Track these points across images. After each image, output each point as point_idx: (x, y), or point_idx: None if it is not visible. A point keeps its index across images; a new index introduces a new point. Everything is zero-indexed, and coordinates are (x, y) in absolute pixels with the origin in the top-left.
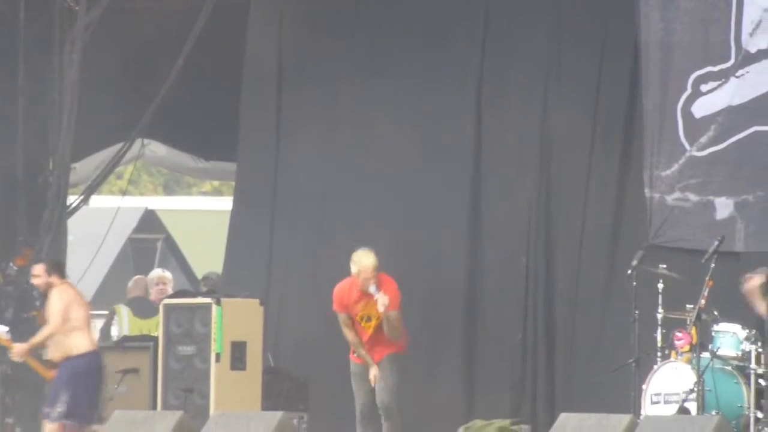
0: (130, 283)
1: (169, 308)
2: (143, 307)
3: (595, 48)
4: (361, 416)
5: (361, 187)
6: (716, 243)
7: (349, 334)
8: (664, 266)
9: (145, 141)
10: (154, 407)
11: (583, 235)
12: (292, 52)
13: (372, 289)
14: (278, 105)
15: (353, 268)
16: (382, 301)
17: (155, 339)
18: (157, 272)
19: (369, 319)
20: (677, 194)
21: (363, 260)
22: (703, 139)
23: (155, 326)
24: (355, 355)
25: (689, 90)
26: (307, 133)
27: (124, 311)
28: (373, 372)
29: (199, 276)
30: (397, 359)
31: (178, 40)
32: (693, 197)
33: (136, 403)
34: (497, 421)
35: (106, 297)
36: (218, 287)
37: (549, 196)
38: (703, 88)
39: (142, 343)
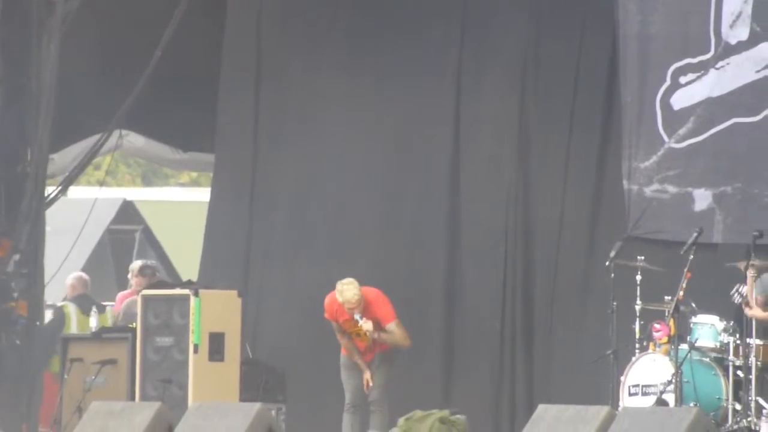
0: (72, 281)
1: (147, 299)
2: (88, 305)
3: (573, 39)
4: (349, 406)
5: (340, 179)
6: (695, 235)
7: (342, 340)
8: (642, 258)
9: (123, 132)
10: (132, 398)
11: (561, 226)
12: (271, 44)
13: (356, 317)
14: (256, 96)
15: (338, 297)
16: (366, 327)
17: (133, 330)
18: (138, 264)
19: (359, 335)
20: (656, 186)
21: (345, 293)
22: (682, 131)
23: (106, 322)
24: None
25: (668, 82)
26: (285, 124)
27: (72, 309)
28: (366, 377)
29: (177, 266)
30: (388, 355)
31: (157, 31)
32: (671, 189)
33: (114, 394)
34: (436, 412)
35: None
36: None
37: (527, 187)
38: (683, 79)
39: (120, 334)
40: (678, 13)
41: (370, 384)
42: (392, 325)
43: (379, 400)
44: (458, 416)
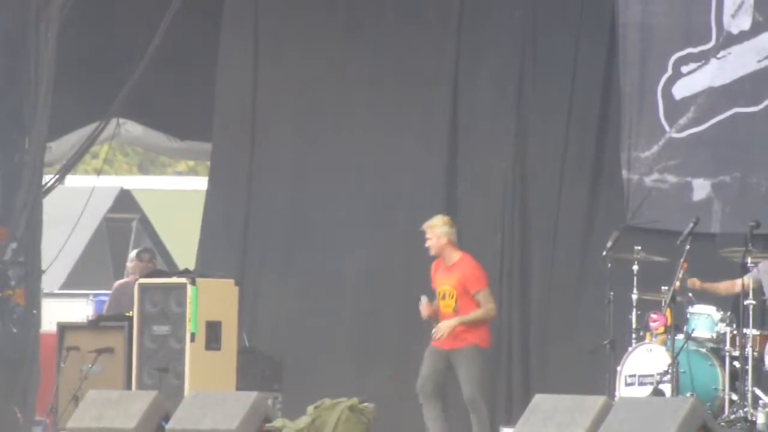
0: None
1: (144, 288)
2: None
3: (570, 29)
4: (417, 391)
5: (338, 167)
6: (691, 225)
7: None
8: (639, 248)
9: (121, 120)
10: (129, 387)
11: (558, 216)
12: (268, 32)
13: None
14: (254, 84)
15: None
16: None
17: (130, 319)
18: (135, 250)
19: (444, 296)
20: (655, 176)
21: (431, 219)
22: (683, 121)
23: None
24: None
25: (670, 71)
26: (282, 113)
27: None
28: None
29: (174, 255)
30: (479, 351)
31: (154, 19)
32: (671, 179)
33: (111, 383)
34: (345, 400)
35: (81, 277)
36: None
37: (524, 177)
38: (684, 69)
39: (116, 322)
40: (679, 2)
41: (437, 331)
42: (487, 296)
43: (473, 398)
44: (367, 404)
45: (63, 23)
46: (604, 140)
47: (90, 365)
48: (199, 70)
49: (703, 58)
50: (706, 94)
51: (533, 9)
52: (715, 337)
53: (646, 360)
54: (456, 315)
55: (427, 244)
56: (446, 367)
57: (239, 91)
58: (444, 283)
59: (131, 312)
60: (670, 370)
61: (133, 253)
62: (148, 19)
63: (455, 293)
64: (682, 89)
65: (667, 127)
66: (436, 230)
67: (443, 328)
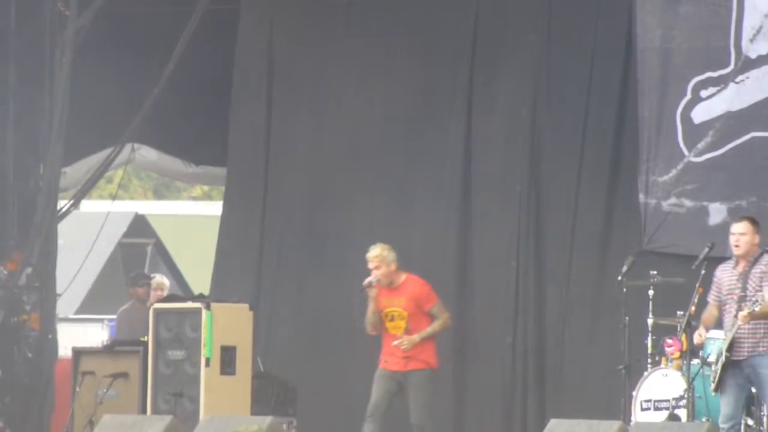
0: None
1: (159, 313)
2: None
3: (585, 53)
4: (368, 415)
5: (351, 192)
6: (706, 249)
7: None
8: (655, 272)
9: (136, 146)
10: (144, 412)
11: (573, 240)
12: (282, 57)
13: (371, 279)
14: (268, 110)
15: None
16: (372, 278)
17: (145, 344)
18: (155, 278)
19: (392, 318)
20: (673, 200)
21: (371, 250)
22: (701, 145)
23: None
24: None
25: (689, 95)
26: (297, 138)
27: None
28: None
29: (189, 280)
30: (432, 375)
31: (169, 45)
32: (687, 203)
33: (126, 408)
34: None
35: (95, 301)
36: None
37: (539, 201)
38: (703, 93)
39: (131, 347)
40: (699, 27)
41: (403, 342)
42: (440, 309)
43: (422, 424)
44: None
45: (78, 49)
46: (618, 164)
47: (105, 390)
48: (214, 95)
49: (722, 82)
50: (724, 118)
51: (548, 33)
52: None
53: (661, 385)
54: (407, 335)
55: (378, 273)
56: (398, 390)
57: (254, 117)
58: (392, 305)
59: (145, 337)
60: (685, 395)
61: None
62: (163, 44)
63: (405, 314)
64: (701, 113)
65: (685, 152)
66: (387, 258)
67: (408, 341)
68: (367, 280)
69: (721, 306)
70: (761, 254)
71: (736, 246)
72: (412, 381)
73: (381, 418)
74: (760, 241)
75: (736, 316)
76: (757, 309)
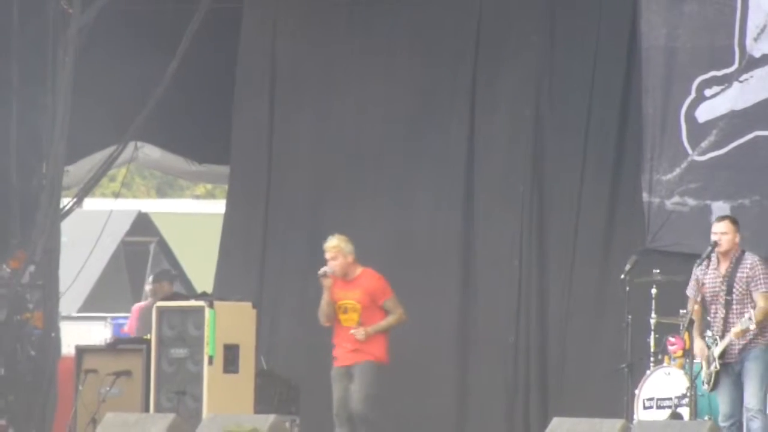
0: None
1: (162, 311)
2: None
3: (587, 53)
4: (335, 417)
5: (354, 190)
6: (708, 249)
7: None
8: (657, 271)
9: (139, 144)
10: (147, 410)
11: (576, 239)
12: (285, 55)
13: (326, 269)
14: (271, 108)
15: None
16: (327, 269)
17: (148, 342)
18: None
19: (345, 310)
20: (676, 198)
21: (329, 240)
22: (705, 144)
23: None
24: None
25: (693, 94)
26: (299, 136)
27: None
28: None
29: (192, 278)
30: (375, 368)
31: (172, 43)
32: (691, 201)
33: (129, 406)
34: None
35: (98, 300)
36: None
37: (542, 200)
38: (707, 92)
39: (135, 345)
40: (703, 26)
41: (360, 332)
42: (395, 303)
43: (362, 414)
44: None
45: (81, 47)
46: (621, 163)
47: (108, 388)
48: (217, 93)
49: (727, 81)
50: (728, 117)
51: (551, 33)
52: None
53: (664, 383)
54: (360, 327)
55: (334, 264)
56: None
57: (256, 115)
58: (346, 297)
59: (149, 335)
60: (688, 394)
61: (151, 276)
62: (166, 43)
63: (359, 306)
64: (705, 112)
65: (689, 150)
66: (344, 250)
67: (364, 331)
68: (322, 270)
69: (704, 305)
70: (742, 254)
71: (719, 245)
72: (358, 370)
73: (349, 420)
74: (740, 241)
75: (725, 320)
76: (752, 327)
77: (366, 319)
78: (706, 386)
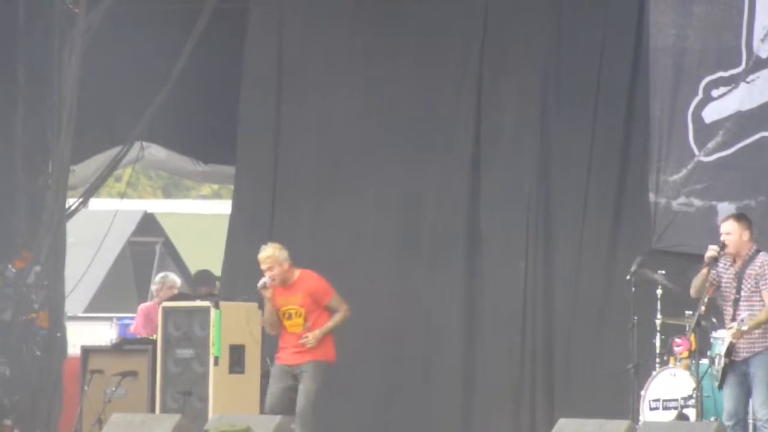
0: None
1: (167, 311)
2: None
3: (593, 53)
4: (269, 410)
5: (360, 190)
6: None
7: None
8: (663, 272)
9: (144, 144)
10: (153, 410)
11: (582, 240)
12: (291, 55)
13: (264, 280)
14: (277, 108)
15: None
16: (264, 281)
17: (154, 342)
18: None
19: (290, 316)
20: (682, 199)
21: (262, 251)
22: (711, 145)
23: None
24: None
25: (700, 95)
26: (306, 136)
27: None
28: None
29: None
30: (325, 367)
31: (178, 42)
32: (696, 202)
33: (135, 406)
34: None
35: (104, 300)
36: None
37: (548, 200)
38: (714, 93)
39: (140, 345)
40: (711, 26)
41: (309, 340)
42: (338, 301)
43: (304, 411)
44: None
45: (86, 47)
46: (627, 163)
47: (114, 388)
48: (223, 93)
49: (733, 82)
50: (734, 118)
51: (557, 32)
52: None
53: (670, 384)
54: (308, 332)
55: (272, 275)
56: (295, 384)
57: (262, 115)
58: (288, 303)
59: (155, 335)
60: (694, 395)
61: (159, 277)
62: (172, 42)
63: (303, 311)
64: (712, 113)
65: (696, 151)
66: (279, 258)
67: (312, 337)
68: (260, 282)
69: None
70: (756, 253)
71: (725, 245)
72: (303, 372)
73: (284, 414)
74: (749, 238)
75: (733, 317)
76: (744, 328)
77: (312, 321)
78: (716, 383)
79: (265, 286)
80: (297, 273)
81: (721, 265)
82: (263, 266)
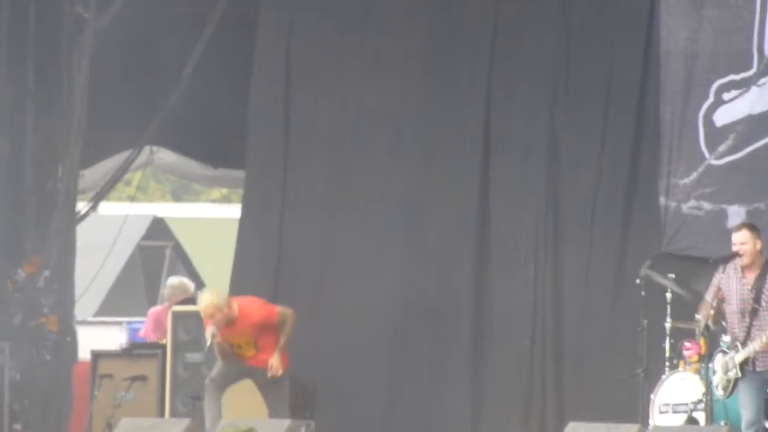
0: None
1: (177, 316)
2: None
3: (603, 57)
4: (213, 381)
5: (370, 193)
6: (728, 256)
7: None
8: (673, 276)
9: (154, 148)
10: (162, 415)
11: (591, 243)
12: (301, 59)
13: (210, 331)
14: (286, 112)
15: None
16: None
17: (163, 346)
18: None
19: (240, 347)
20: (692, 202)
21: (201, 301)
22: (722, 148)
23: None
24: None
25: (711, 98)
26: (315, 140)
27: None
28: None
29: (208, 283)
30: (285, 379)
31: (187, 46)
32: (707, 205)
33: (144, 411)
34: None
35: (114, 304)
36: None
37: (557, 204)
38: (726, 96)
39: (150, 350)
40: (723, 30)
41: (275, 370)
42: (283, 315)
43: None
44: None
45: (96, 51)
46: (637, 167)
47: (123, 393)
48: (232, 97)
49: (745, 85)
50: (745, 121)
51: (566, 37)
52: None
53: (679, 388)
54: (260, 352)
55: (215, 322)
56: (242, 375)
57: (272, 119)
58: (236, 338)
59: (165, 340)
60: (704, 399)
61: (172, 280)
62: (182, 46)
63: (252, 339)
64: (723, 116)
65: (706, 154)
66: (219, 304)
67: (276, 365)
68: (208, 334)
69: (719, 310)
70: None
71: (740, 255)
72: (269, 383)
73: (219, 391)
74: (762, 246)
75: (749, 328)
76: None
77: (263, 342)
78: (721, 392)
79: (214, 336)
80: (235, 308)
81: (731, 275)
82: (205, 316)
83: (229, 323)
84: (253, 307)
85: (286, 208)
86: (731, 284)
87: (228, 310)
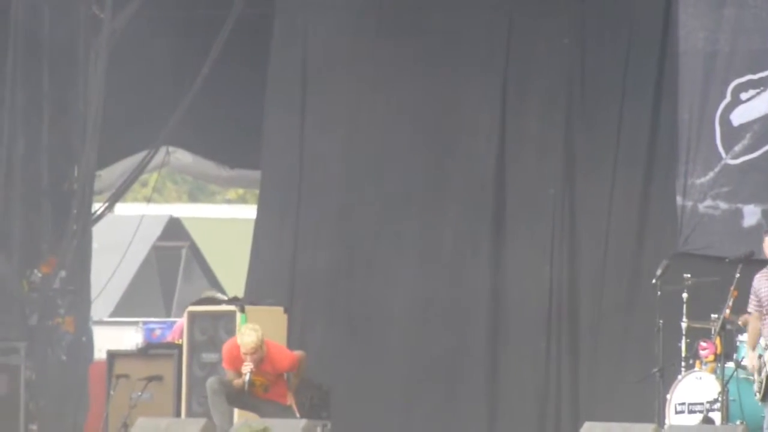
0: None
1: (193, 315)
2: None
3: (619, 57)
4: (213, 381)
5: (385, 195)
6: (743, 255)
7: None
8: (689, 275)
9: (170, 149)
10: (178, 414)
11: (607, 244)
12: (316, 60)
13: (246, 368)
14: (302, 112)
15: (237, 340)
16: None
17: (179, 346)
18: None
19: (253, 384)
20: (708, 202)
21: (245, 337)
22: (738, 147)
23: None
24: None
25: (729, 98)
26: (331, 140)
27: None
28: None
29: (223, 283)
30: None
31: (203, 48)
32: (722, 205)
33: (160, 410)
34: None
35: (130, 304)
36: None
37: (573, 205)
38: (743, 96)
39: (166, 350)
40: (741, 29)
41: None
42: (301, 365)
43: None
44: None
45: (112, 52)
46: (652, 167)
47: (139, 393)
48: (248, 98)
49: (762, 85)
50: (762, 120)
51: (582, 36)
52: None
53: (695, 388)
54: (268, 394)
55: (254, 358)
56: (244, 400)
57: (287, 120)
58: (256, 377)
59: (181, 340)
60: (720, 399)
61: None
62: (197, 48)
63: (268, 383)
64: (740, 116)
65: (723, 154)
66: (260, 343)
67: (295, 411)
68: (245, 370)
69: (761, 315)
70: None
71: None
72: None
73: (220, 391)
74: None
75: None
76: None
77: (274, 390)
78: (758, 395)
79: (250, 372)
80: (265, 349)
81: (756, 280)
82: (247, 351)
83: (259, 362)
84: (281, 354)
85: (302, 207)
86: (762, 288)
87: (264, 349)
